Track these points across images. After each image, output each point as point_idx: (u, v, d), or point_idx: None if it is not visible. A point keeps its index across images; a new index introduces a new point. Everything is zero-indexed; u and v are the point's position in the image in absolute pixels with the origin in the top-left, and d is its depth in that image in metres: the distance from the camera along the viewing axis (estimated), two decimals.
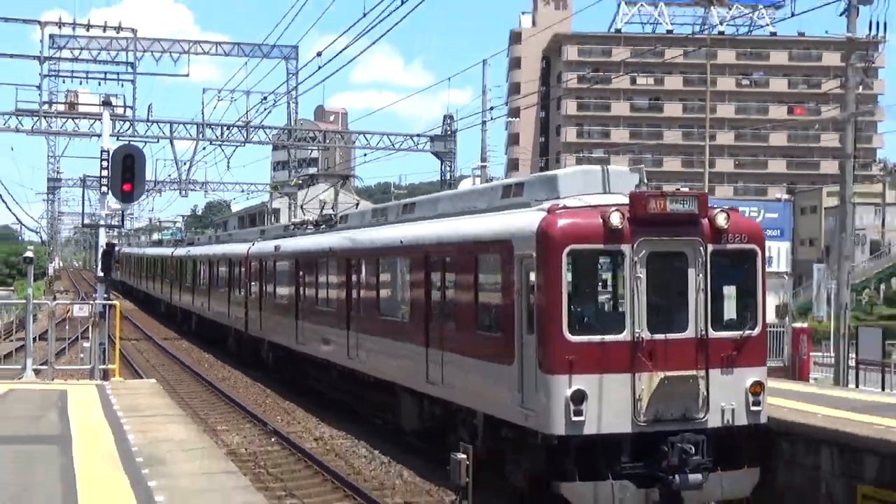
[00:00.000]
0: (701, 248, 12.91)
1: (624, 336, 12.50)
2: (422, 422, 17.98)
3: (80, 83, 47.66)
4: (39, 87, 44.79)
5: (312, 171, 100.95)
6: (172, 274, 51.85)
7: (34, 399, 17.33)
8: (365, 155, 50.21)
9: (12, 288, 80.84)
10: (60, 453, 12.17)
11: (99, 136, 31.09)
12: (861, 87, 25.97)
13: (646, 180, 14.38)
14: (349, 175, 33.38)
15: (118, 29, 45.39)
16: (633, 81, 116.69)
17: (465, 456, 14.40)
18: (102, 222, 24.27)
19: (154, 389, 19.75)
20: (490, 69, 49.59)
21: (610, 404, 12.26)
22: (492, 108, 48.56)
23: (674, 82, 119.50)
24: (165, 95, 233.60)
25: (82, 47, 46.55)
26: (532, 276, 13.08)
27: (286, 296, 27.53)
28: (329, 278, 23.72)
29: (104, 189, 22.51)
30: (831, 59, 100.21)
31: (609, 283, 13.68)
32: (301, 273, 26.08)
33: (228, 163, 56.28)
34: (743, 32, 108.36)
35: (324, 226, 27.39)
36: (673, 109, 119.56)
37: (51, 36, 45.35)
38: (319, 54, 32.66)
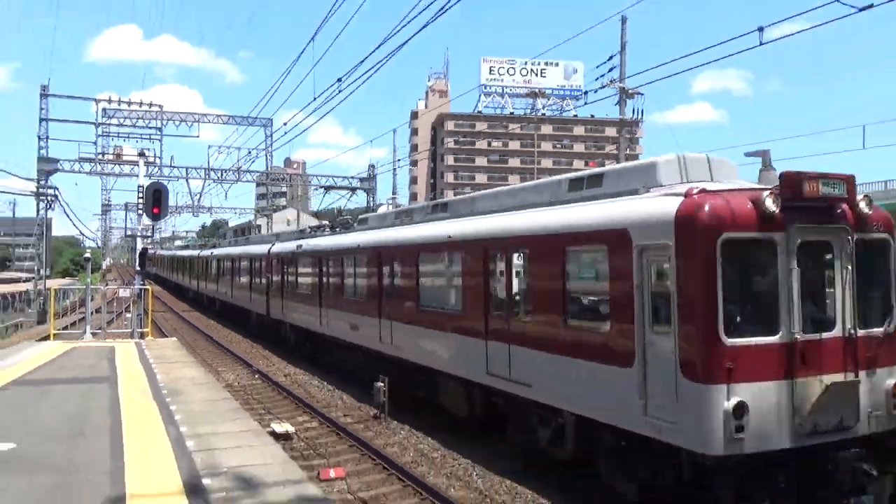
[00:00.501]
0: (848, 238, 8.19)
1: (779, 337, 7.73)
2: (472, 409, 12.39)
3: (124, 141, 46.04)
4: (95, 143, 43.42)
5: (282, 202, 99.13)
6: (199, 269, 45.82)
7: (91, 353, 16.70)
8: (315, 190, 50.64)
9: (76, 278, 77.72)
10: (110, 388, 11.77)
11: (136, 176, 30.20)
12: (628, 150, 26.71)
13: (771, 162, 9.04)
14: (356, 188, 26.76)
15: (150, 105, 44.78)
16: (489, 144, 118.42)
17: (382, 384, 14.34)
18: (139, 234, 23.73)
19: (176, 345, 19.20)
20: (398, 135, 49.91)
21: (768, 416, 7.54)
22: (399, 160, 49.13)
23: (514, 145, 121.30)
24: (183, 150, 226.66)
25: (125, 116, 44.80)
26: (656, 269, 8.26)
27: (309, 286, 21.56)
28: (357, 271, 17.71)
29: (140, 211, 22.10)
30: (611, 131, 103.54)
31: (758, 276, 8.35)
32: (324, 267, 20.07)
33: (226, 194, 57.43)
34: (556, 114, 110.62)
35: (339, 228, 21.89)
36: (514, 162, 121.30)
37: (103, 109, 43.95)
38: (286, 124, 32.86)
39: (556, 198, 10.80)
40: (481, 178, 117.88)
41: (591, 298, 9.70)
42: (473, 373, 11.70)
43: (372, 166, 49.31)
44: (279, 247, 26.02)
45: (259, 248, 29.64)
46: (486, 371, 11.19)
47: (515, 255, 11.07)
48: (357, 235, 18.30)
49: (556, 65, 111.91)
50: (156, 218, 20.64)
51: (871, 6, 9.56)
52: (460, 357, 12.17)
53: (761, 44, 11.49)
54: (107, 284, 51.76)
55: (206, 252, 45.88)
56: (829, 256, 8.37)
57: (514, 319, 10.76)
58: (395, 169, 49.71)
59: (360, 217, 20.48)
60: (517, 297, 11.03)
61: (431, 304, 13.66)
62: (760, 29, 11.38)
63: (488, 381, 11.24)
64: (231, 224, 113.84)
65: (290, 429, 13.26)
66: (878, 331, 8.36)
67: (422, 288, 14.13)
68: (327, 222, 24.07)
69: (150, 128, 45.53)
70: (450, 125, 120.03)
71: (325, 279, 20.01)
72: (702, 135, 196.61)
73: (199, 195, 53.64)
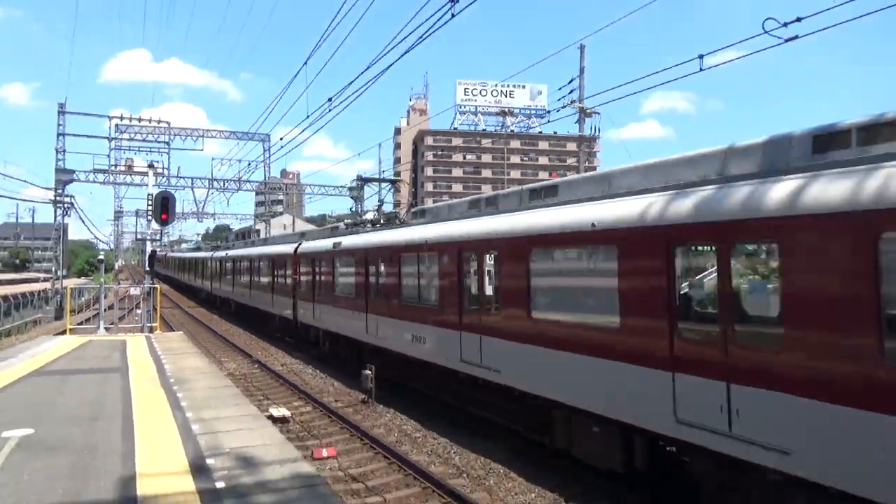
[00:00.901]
0: None
1: None
2: (630, 462, 7.96)
3: (135, 154, 45.40)
4: (108, 156, 42.80)
5: (279, 209, 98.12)
6: (213, 270, 40.37)
7: (105, 346, 16.42)
8: (310, 198, 50.44)
9: (91, 278, 76.61)
10: (121, 378, 11.56)
11: (146, 185, 29.82)
12: (587, 162, 26.92)
13: None
14: (397, 180, 20.92)
15: (159, 121, 44.27)
16: (464, 157, 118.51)
17: (369, 372, 14.24)
18: (148, 238, 23.44)
19: (182, 338, 18.93)
20: (383, 149, 49.78)
21: None
22: (384, 171, 48.89)
23: (486, 158, 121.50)
24: (188, 162, 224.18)
25: (136, 132, 44.15)
26: None
27: (350, 288, 16.60)
28: (422, 271, 12.88)
29: (149, 217, 21.84)
30: (571, 146, 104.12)
31: None
32: (372, 266, 15.24)
33: (228, 202, 56.99)
34: (523, 131, 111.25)
35: (381, 224, 17.69)
36: (486, 173, 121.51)
37: (116, 125, 43.33)
38: (282, 139, 32.70)
39: (785, 164, 6.58)
40: (457, 187, 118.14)
41: None
42: (644, 416, 7.34)
43: (360, 176, 49.50)
44: (308, 246, 21.24)
45: (283, 247, 24.66)
46: (673, 416, 6.91)
47: (738, 247, 6.69)
48: (418, 230, 13.47)
49: (523, 87, 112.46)
50: (164, 223, 20.39)
51: (795, 37, 9.72)
52: (614, 391, 7.73)
53: (701, 69, 11.60)
54: (119, 284, 50.91)
55: (221, 253, 40.01)
56: None
57: (736, 344, 6.40)
58: (380, 180, 49.73)
59: (415, 210, 15.73)
60: (746, 312, 6.65)
61: (552, 315, 9.07)
62: (701, 56, 11.50)
63: (675, 433, 6.92)
64: (233, 229, 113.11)
65: (287, 413, 13.13)
66: None
67: (535, 292, 9.36)
68: (369, 218, 19.38)
69: (159, 142, 45.04)
70: (429, 140, 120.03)
71: (373, 280, 15.22)
72: (652, 150, 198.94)
73: (203, 203, 53.24)
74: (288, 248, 23.29)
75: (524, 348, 9.43)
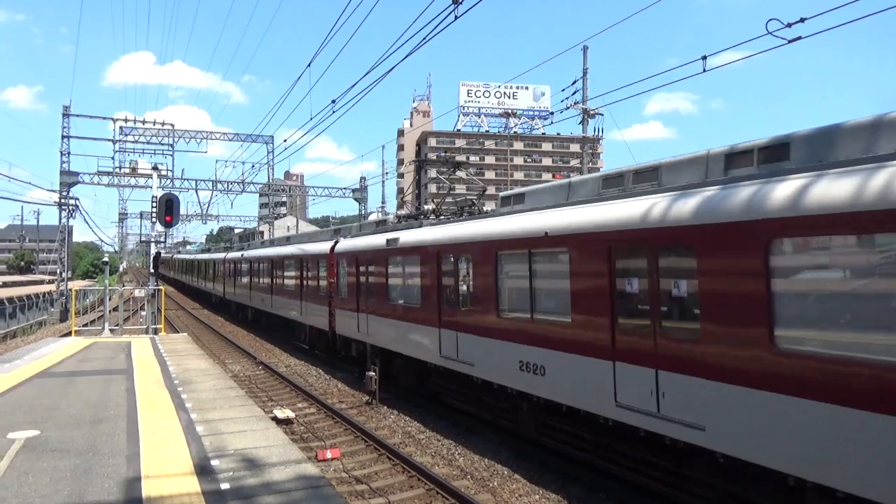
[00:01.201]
0: None
1: None
2: None
3: (139, 156, 45.60)
4: (113, 158, 43.08)
5: (283, 211, 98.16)
6: (225, 273, 36.59)
7: (110, 347, 16.48)
8: (313, 200, 50.46)
9: (96, 280, 76.89)
10: (126, 379, 11.61)
11: (150, 188, 29.92)
12: (590, 164, 26.90)
13: None
14: (461, 163, 17.77)
15: (163, 124, 44.47)
16: (467, 159, 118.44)
17: (373, 374, 14.25)
18: (153, 240, 23.52)
19: (187, 339, 18.99)
20: (386, 150, 50.03)
21: None
22: (387, 172, 49.21)
23: (489, 159, 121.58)
24: (192, 164, 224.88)
25: (140, 134, 44.36)
26: None
27: (413, 295, 13.19)
28: (533, 274, 9.33)
29: (154, 219, 21.89)
30: (575, 147, 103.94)
31: None
32: (448, 268, 11.77)
33: (232, 204, 56.95)
34: (527, 132, 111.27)
35: (444, 215, 14.69)
36: (490, 175, 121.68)
37: (120, 127, 43.57)
38: (285, 140, 32.61)
39: None
40: (460, 188, 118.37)
41: None
42: None
43: (363, 178, 49.70)
44: (350, 244, 17.46)
45: (315, 246, 21.25)
46: None
47: None
48: (525, 219, 9.81)
49: (527, 88, 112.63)
50: (168, 225, 20.43)
51: (799, 38, 9.71)
52: None
53: (704, 70, 11.59)
54: (123, 285, 51.10)
55: (235, 254, 35.33)
56: None
57: None
58: (383, 181, 49.90)
59: (505, 195, 11.69)
60: None
61: (826, 342, 5.57)
62: (704, 57, 11.48)
63: None
64: (236, 231, 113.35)
65: (291, 414, 13.14)
66: None
67: (781, 305, 5.86)
68: (431, 207, 16.15)
69: (163, 144, 45.23)
70: (432, 142, 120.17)
71: (449, 285, 11.84)
72: (655, 150, 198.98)
73: (207, 205, 53.33)
74: (322, 247, 19.84)
75: (759, 396, 5.90)
